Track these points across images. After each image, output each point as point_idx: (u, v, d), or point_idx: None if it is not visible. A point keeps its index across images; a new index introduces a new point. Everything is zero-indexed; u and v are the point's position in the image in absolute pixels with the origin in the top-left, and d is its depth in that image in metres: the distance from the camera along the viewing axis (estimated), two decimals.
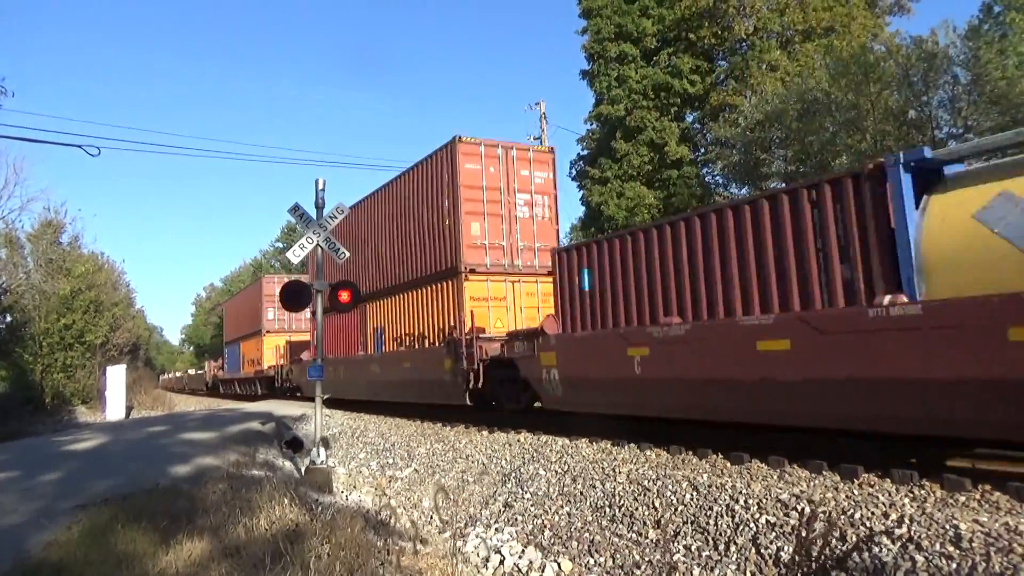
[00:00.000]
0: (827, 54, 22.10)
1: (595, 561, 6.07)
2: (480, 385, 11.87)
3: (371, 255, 17.29)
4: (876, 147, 18.93)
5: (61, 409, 30.64)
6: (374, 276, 17.06)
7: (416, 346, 14.40)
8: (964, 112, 18.78)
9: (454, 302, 13.05)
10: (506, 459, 9.16)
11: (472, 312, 12.40)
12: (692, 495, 6.28)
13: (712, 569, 5.30)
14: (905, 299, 5.69)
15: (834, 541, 4.84)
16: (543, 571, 6.13)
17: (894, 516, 4.90)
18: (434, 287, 13.89)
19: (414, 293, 14.73)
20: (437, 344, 13.41)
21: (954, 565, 4.16)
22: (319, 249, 9.88)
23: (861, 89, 19.24)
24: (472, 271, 12.96)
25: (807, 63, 23.20)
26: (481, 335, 12.28)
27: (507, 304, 13.39)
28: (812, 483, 6.01)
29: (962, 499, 5.12)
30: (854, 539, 4.78)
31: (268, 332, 29.19)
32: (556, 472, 8.03)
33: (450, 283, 13.24)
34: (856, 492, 5.60)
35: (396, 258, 15.77)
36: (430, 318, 13.97)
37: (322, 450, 9.40)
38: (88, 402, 32.59)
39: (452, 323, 13.00)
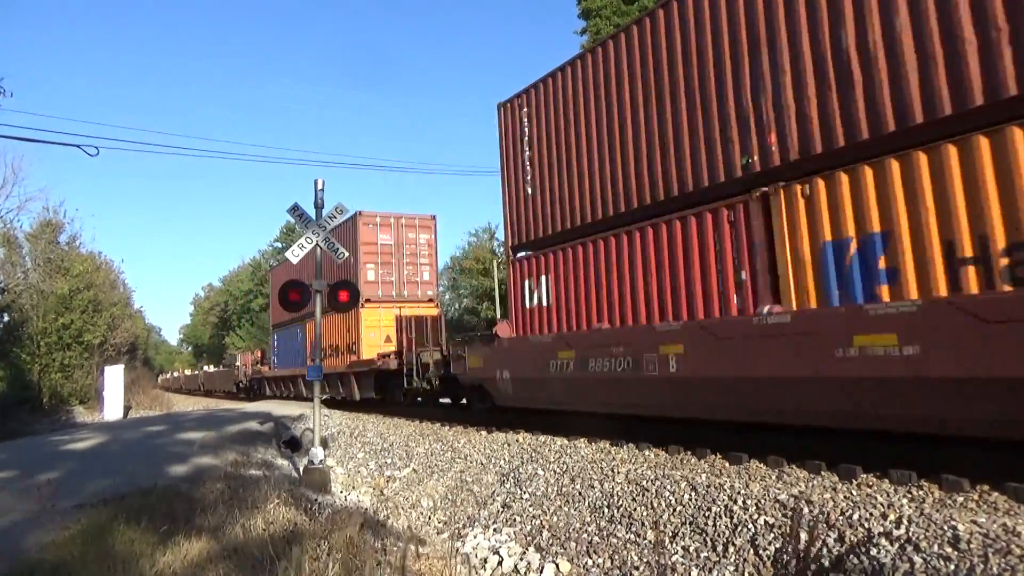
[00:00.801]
0: None
1: (593, 562, 6.06)
2: None
3: (717, 99, 7.69)
4: None
5: (59, 409, 30.66)
6: (718, 147, 7.64)
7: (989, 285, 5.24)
8: None
9: None
10: (505, 459, 9.15)
11: None
12: (691, 495, 6.28)
13: (710, 570, 5.30)
14: None
15: (832, 542, 4.84)
16: (541, 572, 6.12)
17: (892, 517, 4.90)
18: None
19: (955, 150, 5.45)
20: None
21: (952, 566, 4.17)
22: (324, 246, 9.87)
23: None
24: None
25: None
26: None
27: None
28: (811, 483, 6.01)
29: (960, 500, 5.13)
30: (852, 540, 4.78)
31: (369, 302, 18.15)
32: (555, 472, 8.02)
33: None
34: (855, 493, 5.60)
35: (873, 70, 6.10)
36: None
37: (320, 450, 9.39)
38: (86, 402, 32.62)
39: None
